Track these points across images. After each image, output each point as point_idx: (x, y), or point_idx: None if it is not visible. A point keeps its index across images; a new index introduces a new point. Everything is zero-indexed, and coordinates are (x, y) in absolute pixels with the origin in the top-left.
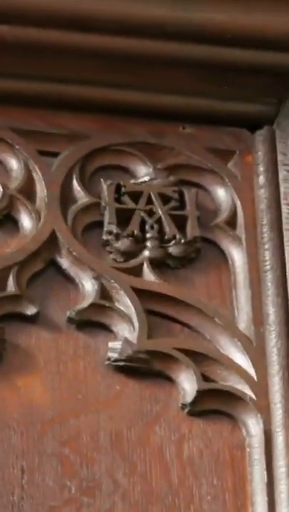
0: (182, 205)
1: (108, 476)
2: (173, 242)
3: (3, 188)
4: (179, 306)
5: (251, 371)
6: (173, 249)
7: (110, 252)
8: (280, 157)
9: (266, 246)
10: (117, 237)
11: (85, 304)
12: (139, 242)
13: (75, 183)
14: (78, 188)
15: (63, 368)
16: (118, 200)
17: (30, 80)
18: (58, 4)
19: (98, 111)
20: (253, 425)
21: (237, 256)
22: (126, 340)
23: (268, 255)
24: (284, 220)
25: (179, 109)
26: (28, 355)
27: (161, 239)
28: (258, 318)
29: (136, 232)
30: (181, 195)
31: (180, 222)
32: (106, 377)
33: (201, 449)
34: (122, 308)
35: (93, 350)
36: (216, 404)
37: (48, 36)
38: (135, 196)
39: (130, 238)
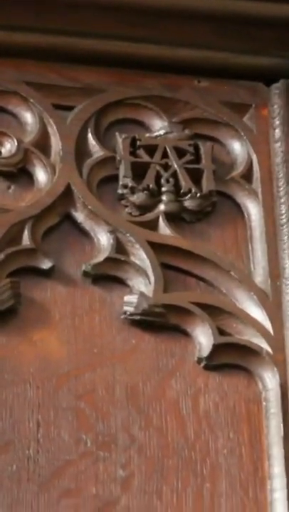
0: (198, 158)
1: (124, 430)
2: (188, 195)
3: (17, 141)
4: (194, 260)
5: (267, 325)
6: (188, 203)
7: (126, 206)
8: None
9: (282, 200)
10: (133, 190)
11: (101, 257)
12: (155, 195)
13: (90, 136)
14: (93, 142)
15: (79, 322)
16: (133, 153)
17: (45, 34)
18: None
19: (113, 64)
20: (269, 379)
21: (253, 210)
22: (142, 294)
23: (284, 209)
24: None
25: (194, 62)
26: (43, 309)
27: (177, 192)
28: (275, 271)
29: (151, 185)
30: (197, 148)
31: (195, 176)
32: (121, 331)
33: (217, 403)
34: (137, 262)
35: (109, 304)
36: (232, 358)
37: None
38: (150, 150)
39: (146, 192)
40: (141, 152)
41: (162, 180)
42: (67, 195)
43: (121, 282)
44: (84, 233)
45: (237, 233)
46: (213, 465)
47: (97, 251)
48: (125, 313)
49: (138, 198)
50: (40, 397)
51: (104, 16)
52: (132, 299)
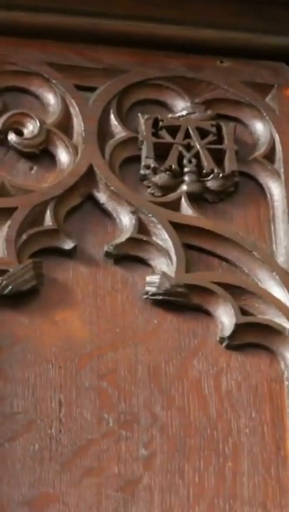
0: (220, 139)
1: (146, 410)
2: (211, 176)
3: (40, 122)
4: (216, 240)
5: None
6: (211, 184)
7: (148, 187)
8: None
9: None
10: (155, 171)
11: (123, 238)
12: (177, 176)
13: (112, 117)
14: (115, 123)
15: (101, 302)
16: (156, 134)
17: (67, 15)
18: None
19: (135, 45)
20: None
21: (275, 190)
22: (164, 274)
23: None
24: None
25: (216, 42)
26: (65, 289)
27: (199, 173)
28: None
29: (174, 166)
30: (219, 129)
31: (218, 157)
32: (144, 311)
33: (239, 383)
34: (159, 242)
35: (131, 284)
36: (254, 337)
37: None
38: (173, 130)
39: (168, 172)
40: (163, 133)
41: (184, 161)
42: (89, 176)
43: (143, 262)
44: (106, 214)
45: (259, 213)
46: (236, 444)
47: (120, 231)
48: (147, 293)
49: (160, 178)
50: (62, 377)
51: None
52: (154, 279)
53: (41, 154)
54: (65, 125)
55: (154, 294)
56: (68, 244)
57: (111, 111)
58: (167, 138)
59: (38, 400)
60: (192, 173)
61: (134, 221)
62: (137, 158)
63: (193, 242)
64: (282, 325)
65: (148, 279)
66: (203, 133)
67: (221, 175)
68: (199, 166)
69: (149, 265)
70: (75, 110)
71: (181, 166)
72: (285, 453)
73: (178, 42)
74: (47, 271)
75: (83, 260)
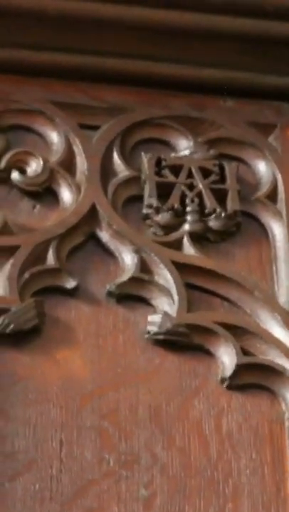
0: (223, 178)
1: (147, 450)
2: (213, 215)
3: (43, 161)
4: (218, 280)
5: None
6: (213, 223)
7: (150, 226)
8: None
9: None
10: (158, 210)
11: (125, 277)
12: (180, 215)
13: (115, 156)
14: (119, 162)
15: (103, 341)
16: (158, 173)
17: (70, 53)
18: None
19: (139, 84)
20: None
21: (277, 230)
22: (165, 314)
23: None
24: None
25: (219, 82)
26: (67, 328)
27: (202, 212)
28: None
29: (176, 205)
30: (222, 168)
31: (220, 196)
32: (145, 350)
33: (240, 423)
34: (161, 281)
35: (132, 323)
36: (255, 378)
37: (88, 9)
38: (176, 170)
39: (170, 212)
40: (166, 172)
41: (187, 200)
42: (92, 215)
43: (145, 302)
44: (108, 253)
45: (261, 253)
46: (236, 485)
47: (122, 270)
48: (149, 332)
49: (163, 217)
50: (63, 417)
51: (129, 36)
52: (155, 318)
53: (44, 193)
54: (68, 164)
55: (155, 334)
56: (70, 284)
57: (114, 150)
58: (170, 177)
59: (39, 439)
60: (194, 212)
61: (136, 260)
62: (139, 198)
63: (195, 281)
64: (284, 366)
65: (150, 318)
66: (205, 172)
67: (223, 214)
68: (202, 205)
69: (151, 305)
70: (78, 149)
71: (183, 205)
72: (285, 494)
73: (181, 81)
74: (49, 310)
75: (85, 299)
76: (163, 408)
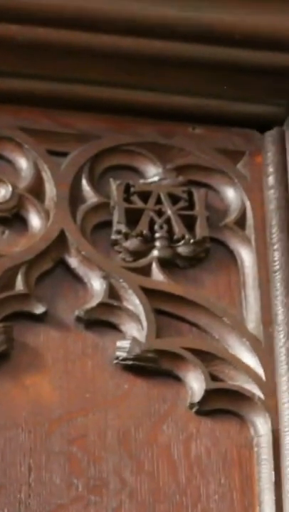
0: (191, 205)
1: (115, 475)
2: (182, 242)
3: (12, 187)
4: (187, 306)
5: (260, 371)
6: (182, 249)
7: (119, 252)
8: None
9: (275, 246)
10: (126, 236)
11: (94, 303)
12: (148, 241)
13: (84, 182)
14: (87, 188)
15: (71, 366)
16: (127, 200)
17: (39, 80)
18: (66, 4)
19: (107, 111)
20: (261, 425)
21: (246, 256)
22: (134, 340)
23: (277, 256)
24: None
25: (188, 109)
26: (36, 354)
27: (170, 239)
28: (267, 318)
29: (145, 231)
30: (191, 195)
31: (189, 222)
32: (114, 376)
33: (209, 448)
34: (130, 307)
35: (101, 349)
36: (224, 403)
37: (57, 36)
38: (144, 196)
39: (139, 238)
40: (135, 198)
41: (156, 227)
42: (61, 241)
43: (114, 327)
44: (77, 278)
45: (230, 279)
46: (205, 510)
47: (90, 296)
48: (118, 358)
49: (131, 243)
50: (32, 442)
51: (99, 63)
52: (124, 344)
53: (13, 219)
54: (37, 190)
55: (124, 359)
56: (39, 309)
57: (83, 176)
58: (139, 203)
59: (8, 464)
60: (163, 238)
61: (105, 286)
62: (108, 224)
63: (163, 307)
64: (252, 391)
65: (118, 344)
66: (174, 199)
67: (192, 241)
68: (170, 231)
69: (119, 330)
70: (47, 175)
71: (152, 231)
72: None
73: (150, 108)
74: (17, 335)
75: (54, 325)
76: (132, 433)
